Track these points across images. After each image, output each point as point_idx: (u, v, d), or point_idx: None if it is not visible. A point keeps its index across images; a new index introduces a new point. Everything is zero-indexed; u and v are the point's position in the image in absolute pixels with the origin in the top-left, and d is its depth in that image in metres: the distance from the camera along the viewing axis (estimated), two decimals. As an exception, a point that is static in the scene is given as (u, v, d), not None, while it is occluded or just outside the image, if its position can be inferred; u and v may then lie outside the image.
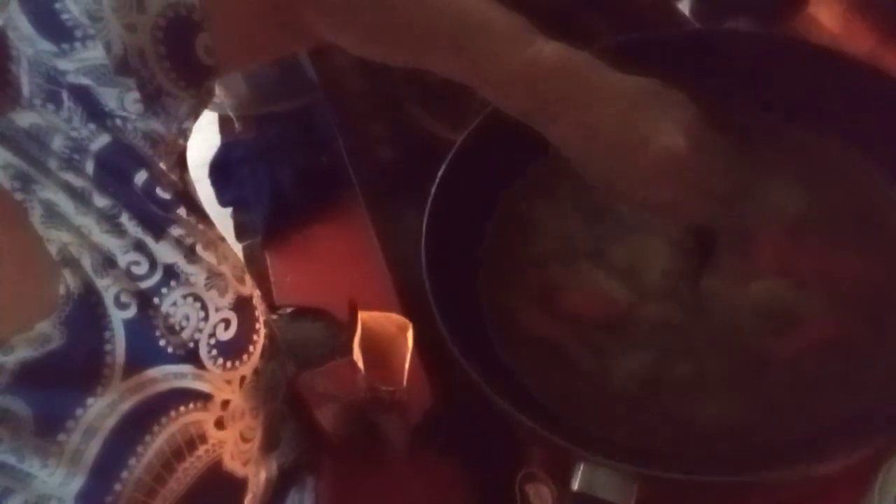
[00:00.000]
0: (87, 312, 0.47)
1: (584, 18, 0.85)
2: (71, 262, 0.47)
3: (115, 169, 0.50)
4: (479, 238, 0.60)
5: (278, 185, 0.95)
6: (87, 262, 0.48)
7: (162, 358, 0.49)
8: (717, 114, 0.57)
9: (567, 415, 0.48)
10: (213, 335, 0.52)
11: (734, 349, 0.48)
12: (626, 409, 0.48)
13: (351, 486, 0.70)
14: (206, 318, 0.52)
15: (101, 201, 0.49)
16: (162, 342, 0.49)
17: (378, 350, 0.66)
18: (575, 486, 0.39)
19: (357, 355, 0.65)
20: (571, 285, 0.54)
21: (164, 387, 0.49)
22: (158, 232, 0.51)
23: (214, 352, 0.51)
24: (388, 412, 0.67)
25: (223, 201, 1.02)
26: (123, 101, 0.48)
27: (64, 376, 0.45)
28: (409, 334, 0.65)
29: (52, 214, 0.47)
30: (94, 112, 0.49)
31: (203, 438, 0.50)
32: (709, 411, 0.47)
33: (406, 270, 0.71)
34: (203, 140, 1.15)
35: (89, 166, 0.49)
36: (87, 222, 0.48)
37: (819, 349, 0.47)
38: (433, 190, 0.56)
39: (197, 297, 0.51)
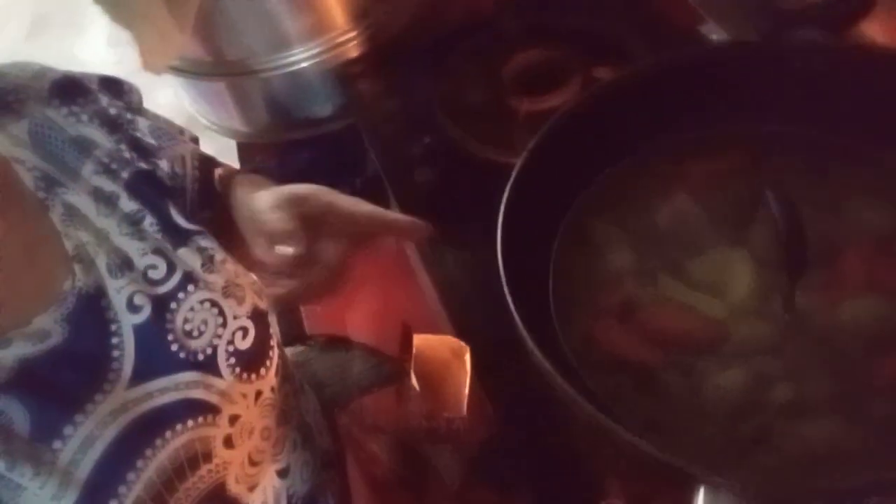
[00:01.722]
0: (93, 312, 0.47)
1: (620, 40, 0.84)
2: (85, 260, 0.48)
3: (152, 180, 0.53)
4: (546, 260, 0.57)
5: (306, 213, 0.92)
6: (102, 263, 0.48)
7: (173, 366, 0.48)
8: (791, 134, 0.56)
9: (657, 440, 0.44)
10: (231, 342, 0.51)
11: (836, 371, 0.46)
12: (721, 435, 0.45)
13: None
14: (224, 325, 0.51)
15: (128, 205, 0.51)
16: (174, 347, 0.49)
17: (433, 376, 0.63)
18: (699, 510, 0.35)
19: (414, 381, 0.61)
20: (653, 302, 0.51)
21: (172, 397, 0.47)
22: (180, 240, 0.53)
23: (232, 360, 0.51)
24: (442, 444, 0.63)
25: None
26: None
27: (64, 377, 0.44)
28: (467, 358, 0.62)
29: (73, 215, 0.49)
30: (140, 148, 0.54)
31: (208, 457, 0.48)
32: (816, 438, 0.44)
33: (454, 294, 0.69)
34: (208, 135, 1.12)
35: (126, 173, 0.52)
36: (108, 224, 0.50)
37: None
38: (502, 209, 0.53)
39: (215, 303, 0.51)
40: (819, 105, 0.54)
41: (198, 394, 0.48)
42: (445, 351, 0.64)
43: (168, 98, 1.10)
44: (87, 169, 0.50)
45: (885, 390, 0.44)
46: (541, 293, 0.55)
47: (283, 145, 1.03)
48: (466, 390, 0.62)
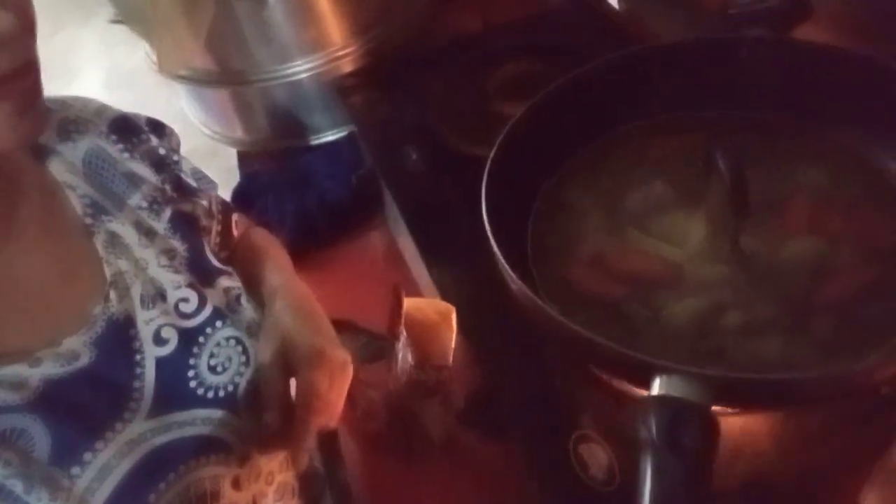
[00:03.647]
0: (121, 339, 0.48)
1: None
2: (121, 288, 0.50)
3: (190, 219, 0.57)
4: (524, 227, 0.64)
5: (303, 211, 0.98)
6: (136, 292, 0.50)
7: (193, 401, 0.49)
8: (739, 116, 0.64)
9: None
10: (253, 382, 0.53)
11: (780, 298, 0.52)
12: (684, 353, 0.51)
13: (389, 483, 0.70)
14: (247, 363, 0.53)
15: (166, 240, 0.54)
16: (193, 384, 0.50)
17: (422, 334, 0.68)
18: (655, 392, 0.41)
19: (404, 335, 0.66)
20: (619, 250, 0.58)
21: (188, 432, 0.48)
22: (211, 277, 0.55)
23: (251, 399, 0.52)
24: (430, 397, 0.68)
25: (245, 227, 1.05)
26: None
27: (88, 402, 0.45)
28: (453, 317, 0.67)
29: (115, 244, 0.51)
30: (182, 188, 0.58)
31: (216, 496, 0.48)
32: (764, 352, 0.50)
33: (446, 269, 0.75)
34: (220, 173, 1.19)
35: (166, 214, 0.55)
36: (147, 255, 0.52)
37: (859, 293, 0.51)
38: (486, 175, 0.60)
39: (239, 341, 0.53)
40: (762, 91, 0.63)
41: (214, 431, 0.49)
42: (433, 313, 0.69)
43: (172, 108, 1.17)
44: (133, 201, 0.53)
45: (820, 311, 0.51)
46: (521, 253, 0.62)
47: (281, 152, 1.10)
48: (452, 345, 0.67)
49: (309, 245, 0.95)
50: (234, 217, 0.67)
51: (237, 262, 0.62)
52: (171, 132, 0.62)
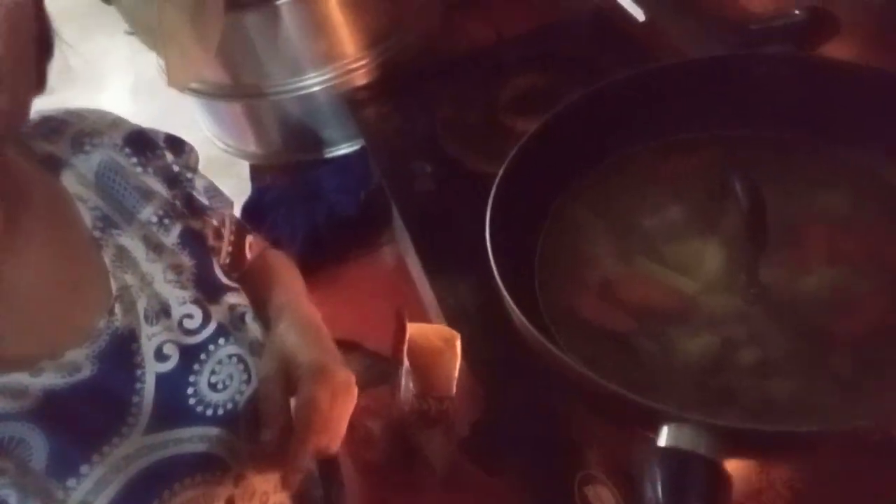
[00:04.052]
0: (123, 354, 0.48)
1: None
2: (126, 302, 0.49)
3: (200, 236, 0.56)
4: (532, 247, 0.61)
5: (313, 225, 0.97)
6: (141, 307, 0.50)
7: (191, 419, 0.49)
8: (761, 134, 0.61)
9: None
10: (252, 401, 0.52)
11: (797, 334, 0.49)
12: (694, 392, 0.48)
13: (388, 512, 0.68)
14: (248, 382, 0.53)
15: (174, 255, 0.53)
16: (192, 401, 0.49)
17: (425, 361, 0.66)
18: (661, 443, 0.38)
19: (406, 363, 0.64)
20: (629, 279, 0.55)
21: (185, 449, 0.48)
22: (217, 294, 0.55)
23: (250, 419, 0.51)
24: (432, 427, 0.66)
25: (255, 242, 1.04)
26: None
27: (87, 414, 0.45)
28: (458, 344, 0.65)
29: (123, 258, 0.51)
30: (194, 206, 0.57)
31: None
32: (777, 394, 0.47)
33: (451, 290, 0.72)
34: (233, 187, 1.18)
35: (176, 230, 0.54)
36: (154, 270, 0.52)
37: (881, 330, 0.48)
38: (492, 195, 0.57)
39: (242, 359, 0.53)
40: (780, 109, 0.60)
41: (211, 449, 0.49)
42: (437, 339, 0.67)
43: (185, 122, 1.16)
44: (143, 215, 0.53)
45: (840, 348, 0.47)
46: (526, 275, 0.59)
47: (293, 165, 1.09)
48: (456, 373, 0.65)
49: (317, 260, 0.94)
50: (249, 239, 0.66)
51: (249, 283, 0.62)
52: (191, 149, 0.61)
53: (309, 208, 0.99)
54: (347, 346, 0.85)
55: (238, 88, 1.03)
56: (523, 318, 0.47)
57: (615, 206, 0.61)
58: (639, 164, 0.64)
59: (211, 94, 1.05)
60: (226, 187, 0.67)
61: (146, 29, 0.90)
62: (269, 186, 1.07)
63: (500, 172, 0.58)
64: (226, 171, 1.20)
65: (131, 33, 0.97)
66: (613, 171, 0.64)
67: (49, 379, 0.44)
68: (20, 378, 0.43)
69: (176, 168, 0.57)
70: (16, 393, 0.42)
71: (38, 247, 0.47)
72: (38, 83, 0.46)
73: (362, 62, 1.01)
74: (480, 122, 0.90)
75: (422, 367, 0.66)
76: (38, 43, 0.43)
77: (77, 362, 0.45)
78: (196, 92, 1.06)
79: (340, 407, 0.51)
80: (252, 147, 1.12)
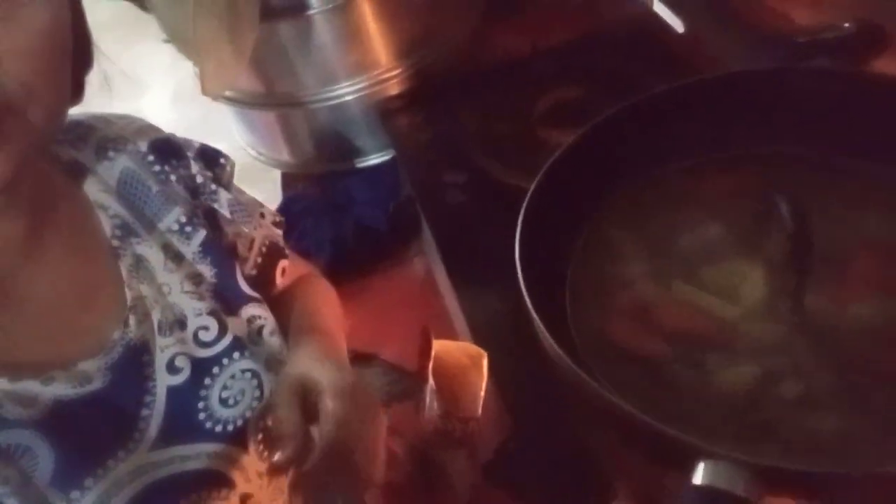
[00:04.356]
0: (135, 366, 0.47)
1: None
2: (140, 313, 0.49)
3: (221, 246, 0.55)
4: (564, 267, 0.59)
5: (340, 236, 0.96)
6: (155, 318, 0.49)
7: (200, 435, 0.48)
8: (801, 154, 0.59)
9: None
10: (264, 418, 0.50)
11: (843, 367, 0.46)
12: (732, 427, 0.46)
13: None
14: (260, 398, 0.52)
15: (194, 266, 0.53)
16: (202, 416, 0.49)
17: (450, 380, 0.64)
18: (697, 481, 0.36)
19: (431, 381, 0.63)
20: (666, 304, 0.53)
21: (192, 466, 0.47)
22: (236, 306, 0.54)
23: (261, 435, 0.49)
24: (456, 448, 0.64)
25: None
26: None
27: (95, 426, 0.44)
28: (485, 363, 0.63)
29: (140, 267, 0.50)
30: (214, 218, 0.56)
31: None
32: (821, 430, 0.44)
33: (479, 305, 0.71)
34: (265, 195, 1.18)
35: (197, 239, 0.53)
36: (171, 280, 0.51)
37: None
38: (522, 212, 0.56)
39: (255, 374, 0.52)
40: (827, 127, 0.57)
41: (217, 466, 0.48)
42: (463, 357, 0.65)
43: (222, 129, 1.17)
44: (164, 223, 0.52)
45: (887, 384, 0.44)
46: (557, 295, 0.57)
47: (324, 175, 1.08)
48: (482, 394, 0.63)
49: (344, 271, 0.93)
50: (283, 264, 0.64)
51: (281, 307, 0.60)
52: (226, 162, 0.60)
53: (338, 218, 0.99)
54: (371, 360, 0.84)
55: (271, 97, 1.03)
56: (553, 343, 0.45)
57: (651, 225, 0.59)
58: (676, 182, 0.62)
59: (244, 102, 1.06)
60: (258, 196, 0.66)
61: (181, 37, 0.91)
62: (298, 195, 1.07)
63: (532, 187, 0.57)
64: (259, 179, 1.21)
65: (168, 42, 0.98)
66: (650, 188, 0.62)
67: (59, 388, 0.43)
68: (31, 386, 0.42)
69: (200, 179, 0.56)
70: (25, 400, 0.42)
71: (58, 256, 0.47)
72: (75, 94, 0.46)
73: (395, 72, 1.01)
74: (514, 134, 0.89)
75: (447, 386, 0.64)
76: (77, 55, 0.43)
77: (88, 373, 0.45)
78: (230, 100, 1.06)
79: (374, 430, 0.49)
80: (284, 156, 1.12)
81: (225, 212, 0.58)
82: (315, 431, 0.49)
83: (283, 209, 1.05)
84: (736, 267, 0.53)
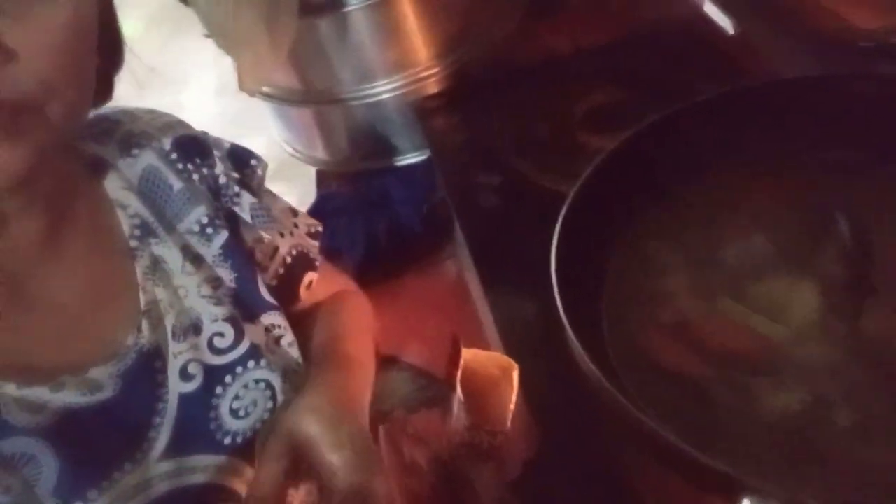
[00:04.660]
0: (147, 372, 0.46)
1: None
2: (154, 317, 0.47)
3: (242, 250, 0.53)
4: (601, 277, 0.57)
5: (374, 235, 0.95)
6: (169, 323, 0.48)
7: (208, 446, 0.47)
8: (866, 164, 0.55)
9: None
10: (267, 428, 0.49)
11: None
12: (778, 456, 0.43)
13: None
14: (272, 410, 0.50)
15: (213, 269, 0.51)
16: (213, 426, 0.47)
17: (479, 390, 0.62)
18: (740, 517, 0.33)
19: (459, 391, 0.61)
20: (709, 320, 0.50)
21: (198, 479, 0.46)
22: (256, 312, 0.52)
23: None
24: (483, 462, 0.62)
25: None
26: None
27: (104, 436, 0.43)
28: (515, 375, 0.61)
29: (157, 269, 0.49)
30: (234, 221, 0.54)
31: None
32: (874, 463, 0.41)
33: (511, 313, 0.68)
34: (300, 191, 1.18)
35: (218, 240, 0.52)
36: (188, 283, 0.49)
37: None
38: (559, 223, 0.53)
39: (270, 385, 0.50)
40: (886, 137, 0.53)
41: (223, 480, 0.47)
42: (493, 367, 0.63)
43: (262, 124, 1.17)
44: (185, 224, 0.51)
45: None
46: (593, 307, 0.55)
47: (358, 173, 1.07)
48: (512, 406, 0.60)
49: (375, 271, 0.92)
50: (310, 277, 0.62)
51: (304, 328, 0.58)
52: (257, 164, 0.58)
53: (371, 217, 0.97)
54: (398, 365, 0.82)
55: (308, 94, 1.03)
56: (589, 361, 0.43)
57: (694, 237, 0.56)
58: (722, 193, 0.58)
59: (282, 98, 1.05)
60: (293, 192, 0.65)
61: (221, 31, 0.90)
62: (332, 193, 1.06)
63: (572, 193, 0.54)
64: (295, 175, 1.21)
65: (208, 36, 0.97)
66: (694, 197, 0.59)
67: (69, 396, 0.42)
68: (40, 392, 0.41)
69: (223, 180, 0.54)
70: (34, 407, 0.41)
71: (75, 257, 0.46)
72: (103, 92, 0.45)
73: (434, 70, 0.99)
74: (552, 137, 0.86)
75: (475, 397, 0.62)
76: (106, 52, 0.42)
77: (100, 381, 0.44)
78: (267, 96, 1.06)
79: (383, 480, 0.48)
80: (320, 153, 1.12)
81: (245, 216, 0.56)
82: (306, 490, 0.47)
83: (316, 207, 1.05)
84: (786, 284, 0.50)
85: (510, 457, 0.61)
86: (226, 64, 0.91)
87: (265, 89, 1.04)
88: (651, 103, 0.83)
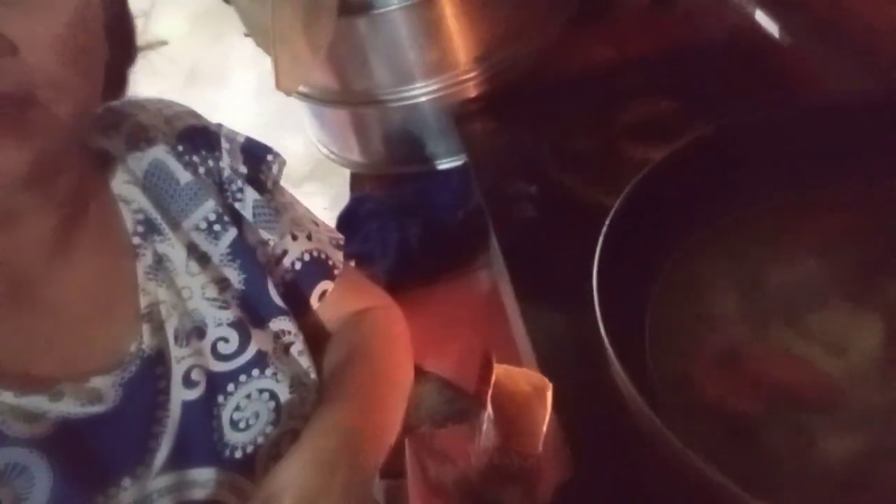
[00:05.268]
0: (149, 379, 0.44)
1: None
2: (155, 321, 0.45)
3: (251, 250, 0.51)
4: (644, 302, 0.54)
5: (406, 241, 0.93)
6: (171, 326, 0.46)
7: (209, 459, 0.44)
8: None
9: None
10: (277, 445, 0.47)
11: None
12: (833, 502, 0.40)
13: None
14: (275, 423, 0.47)
15: (220, 269, 0.49)
16: (215, 437, 0.45)
17: (510, 408, 0.60)
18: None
19: (489, 409, 0.58)
20: (761, 351, 0.47)
21: (199, 494, 0.43)
22: (265, 317, 0.50)
23: (272, 466, 0.45)
24: (513, 485, 0.59)
25: (346, 254, 1.02)
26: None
27: (103, 449, 0.41)
28: (549, 394, 0.58)
29: (160, 268, 0.47)
30: (237, 218, 0.52)
31: None
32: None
33: (546, 329, 0.66)
34: (334, 192, 1.17)
35: (227, 238, 0.49)
36: (193, 284, 0.47)
37: None
38: (601, 241, 0.51)
39: (273, 395, 0.48)
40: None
41: (222, 496, 0.44)
42: (526, 385, 0.60)
43: (299, 124, 1.16)
44: (191, 221, 0.49)
45: None
46: (636, 329, 0.52)
47: (393, 177, 1.06)
48: (544, 427, 0.58)
49: (407, 278, 0.90)
50: (324, 286, 0.58)
51: (323, 347, 0.55)
52: (273, 160, 0.55)
53: (404, 223, 0.95)
54: (427, 376, 0.80)
55: (345, 94, 1.01)
56: (634, 391, 0.40)
57: (747, 261, 0.53)
58: (776, 215, 0.55)
59: (318, 98, 1.04)
60: (327, 194, 0.62)
61: (260, 30, 0.89)
62: (365, 197, 1.04)
63: (616, 206, 0.52)
64: (329, 175, 1.20)
65: (248, 35, 0.97)
66: (746, 219, 0.56)
67: (68, 406, 0.40)
68: (37, 401, 0.40)
69: (227, 173, 0.51)
70: (30, 417, 0.39)
71: (83, 258, 0.44)
72: (117, 87, 0.43)
73: (473, 74, 0.97)
74: (594, 148, 0.83)
75: (506, 416, 0.59)
76: (117, 46, 0.41)
77: (100, 391, 0.42)
78: (304, 96, 1.05)
79: None
80: (355, 155, 1.10)
81: (247, 213, 0.52)
82: None
83: (349, 210, 1.03)
84: (846, 315, 0.47)
85: (541, 481, 0.59)
86: (266, 65, 0.91)
87: (302, 89, 1.03)
88: (698, 115, 0.80)
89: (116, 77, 0.43)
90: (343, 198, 1.10)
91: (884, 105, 0.55)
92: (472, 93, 0.98)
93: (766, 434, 0.43)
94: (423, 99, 0.98)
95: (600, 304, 0.46)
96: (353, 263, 0.99)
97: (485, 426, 0.60)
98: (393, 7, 0.89)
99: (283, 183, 0.59)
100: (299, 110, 1.14)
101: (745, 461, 0.42)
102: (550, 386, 0.59)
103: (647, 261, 0.55)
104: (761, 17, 0.87)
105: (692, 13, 0.97)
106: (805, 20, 0.81)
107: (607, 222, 0.51)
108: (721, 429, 0.44)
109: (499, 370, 0.61)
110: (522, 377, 0.61)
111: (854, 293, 0.48)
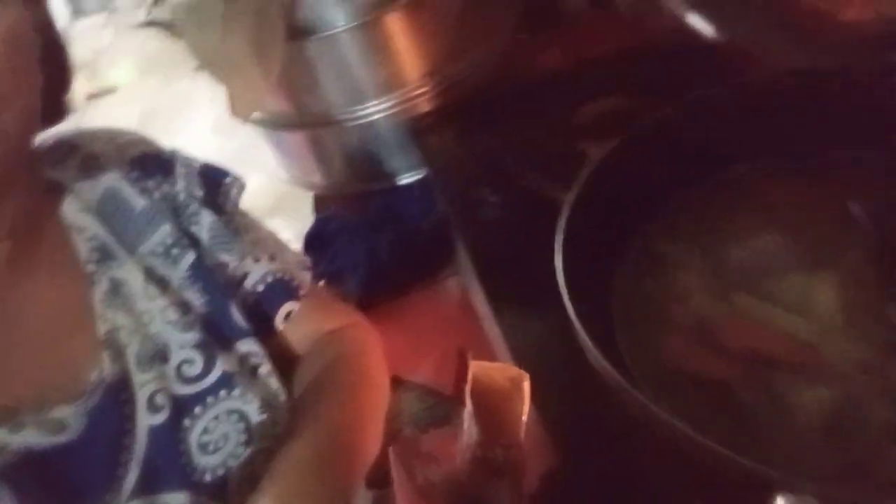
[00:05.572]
0: (113, 406, 0.44)
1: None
2: (115, 347, 0.45)
3: (211, 271, 0.51)
4: (609, 281, 0.55)
5: (375, 256, 0.94)
6: (132, 352, 0.45)
7: (180, 482, 0.44)
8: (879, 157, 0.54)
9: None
10: (250, 465, 0.46)
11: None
12: (810, 457, 0.41)
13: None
14: (246, 444, 0.47)
15: (180, 292, 0.49)
16: (183, 460, 0.45)
17: (489, 403, 0.60)
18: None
19: (469, 406, 0.59)
20: (729, 320, 0.48)
21: None
22: (230, 340, 0.49)
23: (245, 487, 0.45)
24: (499, 477, 0.59)
25: (316, 274, 1.01)
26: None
27: (68, 480, 0.41)
28: (526, 385, 0.59)
29: (117, 294, 0.47)
30: (194, 241, 0.52)
31: None
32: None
33: (518, 325, 0.67)
34: (298, 216, 1.17)
35: (186, 261, 0.49)
36: (152, 308, 0.47)
37: None
38: (562, 226, 0.52)
39: (243, 416, 0.47)
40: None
41: None
42: (503, 378, 0.61)
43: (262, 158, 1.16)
44: (147, 246, 0.49)
45: None
46: (604, 313, 0.53)
47: (356, 195, 1.06)
48: (524, 418, 0.58)
49: (377, 292, 0.90)
50: (289, 307, 0.57)
51: (293, 371, 0.55)
52: (231, 183, 0.56)
53: (370, 239, 0.96)
54: (406, 385, 0.80)
55: (301, 117, 1.02)
56: (611, 368, 0.41)
57: (708, 237, 0.54)
58: (734, 190, 0.57)
59: (274, 123, 1.04)
60: (292, 228, 0.62)
61: (210, 61, 0.90)
62: (330, 216, 1.05)
63: (571, 198, 0.53)
64: (296, 207, 1.19)
65: (200, 69, 0.97)
66: (705, 197, 0.58)
67: (30, 436, 0.40)
68: None
69: (182, 197, 0.51)
70: None
71: (37, 286, 0.44)
72: (55, 115, 0.43)
73: (425, 88, 0.98)
74: (552, 147, 0.85)
75: (486, 411, 0.59)
76: (52, 72, 0.41)
77: (63, 420, 0.41)
78: (260, 122, 1.05)
79: None
80: (316, 177, 1.10)
81: (204, 236, 0.52)
82: None
83: (315, 231, 1.03)
84: (805, 279, 0.48)
85: (526, 471, 0.59)
86: (220, 104, 0.91)
87: (258, 115, 1.03)
88: (649, 109, 0.83)
89: (53, 102, 0.43)
90: (308, 224, 1.10)
91: (829, 74, 0.57)
92: (427, 107, 0.99)
93: (743, 396, 0.44)
94: (377, 116, 0.99)
95: (567, 291, 0.47)
96: (322, 283, 0.99)
97: (466, 423, 0.60)
98: (339, 29, 0.90)
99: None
100: (258, 146, 1.14)
101: (725, 422, 0.43)
102: (527, 377, 0.60)
103: (608, 247, 0.56)
104: (692, 19, 0.91)
105: (633, 16, 1.00)
106: (734, 15, 0.85)
107: (565, 213, 0.53)
108: (699, 397, 0.45)
109: (475, 366, 0.61)
110: (498, 371, 0.61)
111: (809, 259, 0.49)
